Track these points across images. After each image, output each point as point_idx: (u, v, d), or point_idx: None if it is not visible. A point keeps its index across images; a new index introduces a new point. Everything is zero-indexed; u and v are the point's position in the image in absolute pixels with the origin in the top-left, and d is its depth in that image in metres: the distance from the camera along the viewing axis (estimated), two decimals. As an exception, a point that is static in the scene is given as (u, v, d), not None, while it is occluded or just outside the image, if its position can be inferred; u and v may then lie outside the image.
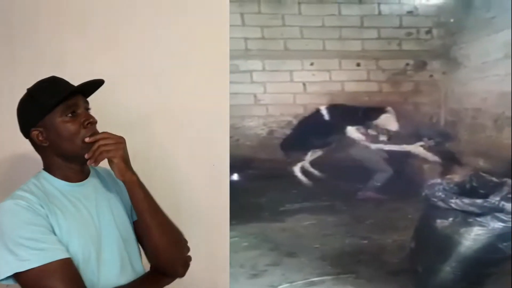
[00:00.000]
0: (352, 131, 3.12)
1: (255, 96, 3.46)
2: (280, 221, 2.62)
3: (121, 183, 1.26)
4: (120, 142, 1.20)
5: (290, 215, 2.69)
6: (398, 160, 3.04)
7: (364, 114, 3.15)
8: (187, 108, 1.78)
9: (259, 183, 2.97)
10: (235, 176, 2.87)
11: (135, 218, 1.32)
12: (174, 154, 1.78)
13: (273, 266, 2.10)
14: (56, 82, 1.21)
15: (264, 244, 2.32)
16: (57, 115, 1.15)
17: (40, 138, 1.17)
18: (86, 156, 1.17)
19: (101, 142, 1.17)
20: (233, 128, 3.20)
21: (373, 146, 3.08)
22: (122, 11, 1.79)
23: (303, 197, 2.90)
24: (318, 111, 3.22)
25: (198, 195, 1.76)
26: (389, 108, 3.16)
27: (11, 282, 1.05)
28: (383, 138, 3.11)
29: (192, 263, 1.37)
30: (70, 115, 1.16)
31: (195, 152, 1.80)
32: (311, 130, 3.17)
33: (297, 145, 3.21)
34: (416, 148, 3.08)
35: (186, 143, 1.79)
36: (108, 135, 1.19)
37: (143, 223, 1.24)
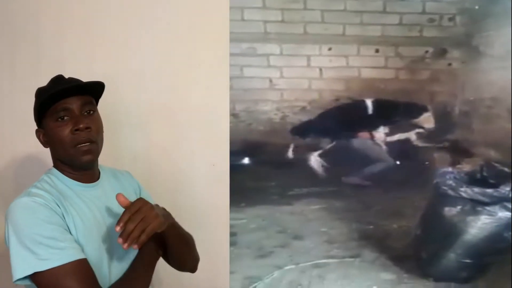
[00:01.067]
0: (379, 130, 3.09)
1: (270, 80, 3.41)
2: (288, 204, 2.65)
3: (129, 187, 1.29)
4: (146, 209, 1.01)
5: (298, 199, 2.71)
6: (405, 149, 3.02)
7: (405, 111, 3.11)
8: (187, 108, 1.78)
9: (269, 168, 2.98)
10: (246, 160, 2.90)
11: None
12: (174, 154, 1.78)
13: (280, 248, 2.13)
14: (55, 82, 1.12)
15: (272, 227, 2.35)
16: (52, 119, 1.08)
17: (42, 139, 1.13)
18: (120, 241, 0.97)
19: (137, 218, 0.98)
20: (246, 112, 3.22)
21: (375, 137, 3.06)
22: (122, 11, 1.78)
23: (311, 182, 2.90)
24: (363, 102, 3.17)
25: (198, 195, 1.75)
26: (429, 107, 3.14)
27: (27, 282, 0.99)
28: (385, 129, 3.08)
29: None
30: (59, 119, 1.07)
31: (195, 152, 1.79)
32: (349, 120, 3.12)
33: (320, 133, 3.16)
34: (411, 136, 3.05)
35: (186, 143, 1.79)
36: (131, 211, 0.99)
37: (175, 251, 1.22)
